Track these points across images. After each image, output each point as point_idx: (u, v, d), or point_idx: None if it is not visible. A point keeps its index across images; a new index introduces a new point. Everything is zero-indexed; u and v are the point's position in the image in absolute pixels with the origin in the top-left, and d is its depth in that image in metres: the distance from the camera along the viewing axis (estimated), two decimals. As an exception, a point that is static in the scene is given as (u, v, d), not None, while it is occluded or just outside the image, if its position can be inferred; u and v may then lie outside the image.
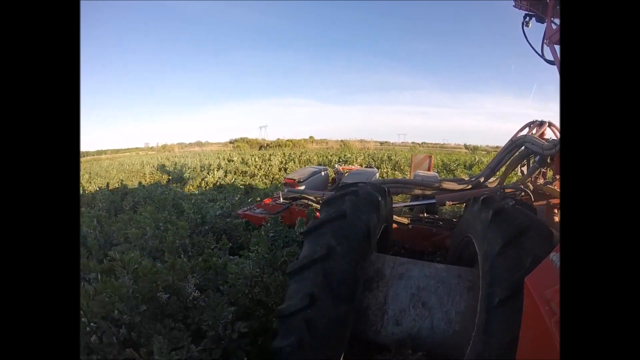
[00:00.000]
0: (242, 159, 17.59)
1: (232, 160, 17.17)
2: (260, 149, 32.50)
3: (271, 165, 14.78)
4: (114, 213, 6.36)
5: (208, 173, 13.05)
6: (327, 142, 37.90)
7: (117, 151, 41.93)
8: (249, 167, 14.52)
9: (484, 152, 28.63)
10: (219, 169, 14.13)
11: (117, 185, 10.60)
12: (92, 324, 1.73)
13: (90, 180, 12.36)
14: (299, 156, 18.37)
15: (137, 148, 45.25)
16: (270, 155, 18.94)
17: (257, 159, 16.80)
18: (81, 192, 9.63)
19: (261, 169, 13.92)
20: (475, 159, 18.56)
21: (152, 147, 44.69)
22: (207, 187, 10.70)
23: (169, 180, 13.06)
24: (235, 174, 13.07)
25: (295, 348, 1.66)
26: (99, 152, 40.17)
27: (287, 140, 37.03)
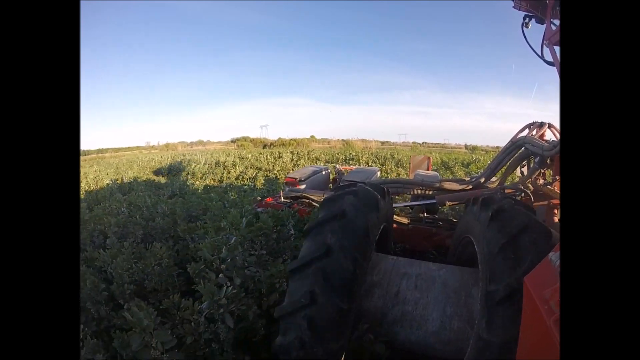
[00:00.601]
0: (255, 156, 18.82)
1: (247, 158, 18.28)
2: (264, 147, 33.21)
3: (284, 162, 16.15)
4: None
5: (224, 168, 14.37)
6: (329, 142, 38.82)
7: (117, 150, 42.30)
8: (261, 163, 15.85)
9: (482, 152, 28.96)
10: (234, 165, 15.39)
11: (144, 178, 12.16)
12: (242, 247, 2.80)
13: (117, 173, 14.07)
14: (308, 154, 19.57)
15: (137, 147, 45.63)
16: (280, 153, 20.30)
17: (268, 156, 18.06)
18: (117, 181, 11.04)
19: (275, 165, 15.16)
20: (472, 157, 19.64)
21: (153, 146, 45.26)
22: (231, 180, 11.86)
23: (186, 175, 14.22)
24: (251, 168, 14.32)
25: (297, 346, 1.66)
26: (101, 151, 40.63)
27: (291, 139, 37.82)
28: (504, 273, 1.56)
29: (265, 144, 37.10)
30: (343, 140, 38.91)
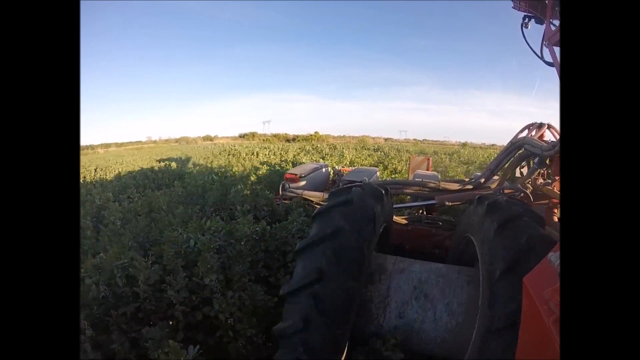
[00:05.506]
0: (300, 149, 21.19)
1: (302, 148, 20.78)
2: (287, 141, 36.18)
3: (339, 151, 18.46)
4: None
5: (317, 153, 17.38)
6: (344, 138, 44.22)
7: (120, 144, 43.42)
8: (319, 153, 17.89)
9: (471, 148, 32.21)
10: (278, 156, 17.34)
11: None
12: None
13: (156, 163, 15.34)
14: (344, 146, 23.64)
15: (139, 142, 46.60)
16: (333, 144, 24.65)
17: (326, 147, 21.32)
18: (157, 169, 11.68)
19: (333, 155, 17.06)
20: (458, 150, 24.99)
21: (155, 141, 46.68)
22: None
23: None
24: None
25: (301, 328, 1.63)
26: (104, 146, 41.83)
27: (310, 134, 41.87)
28: (506, 301, 1.52)
29: (287, 139, 40.12)
30: (356, 137, 44.18)
